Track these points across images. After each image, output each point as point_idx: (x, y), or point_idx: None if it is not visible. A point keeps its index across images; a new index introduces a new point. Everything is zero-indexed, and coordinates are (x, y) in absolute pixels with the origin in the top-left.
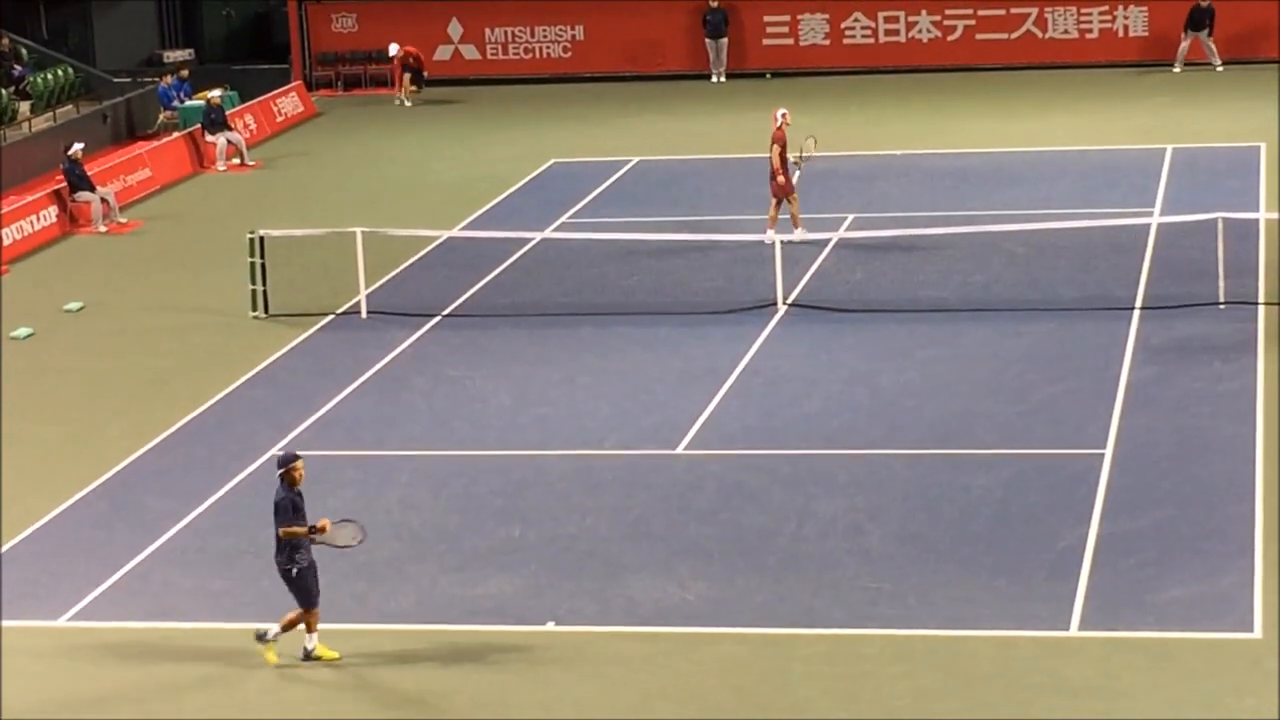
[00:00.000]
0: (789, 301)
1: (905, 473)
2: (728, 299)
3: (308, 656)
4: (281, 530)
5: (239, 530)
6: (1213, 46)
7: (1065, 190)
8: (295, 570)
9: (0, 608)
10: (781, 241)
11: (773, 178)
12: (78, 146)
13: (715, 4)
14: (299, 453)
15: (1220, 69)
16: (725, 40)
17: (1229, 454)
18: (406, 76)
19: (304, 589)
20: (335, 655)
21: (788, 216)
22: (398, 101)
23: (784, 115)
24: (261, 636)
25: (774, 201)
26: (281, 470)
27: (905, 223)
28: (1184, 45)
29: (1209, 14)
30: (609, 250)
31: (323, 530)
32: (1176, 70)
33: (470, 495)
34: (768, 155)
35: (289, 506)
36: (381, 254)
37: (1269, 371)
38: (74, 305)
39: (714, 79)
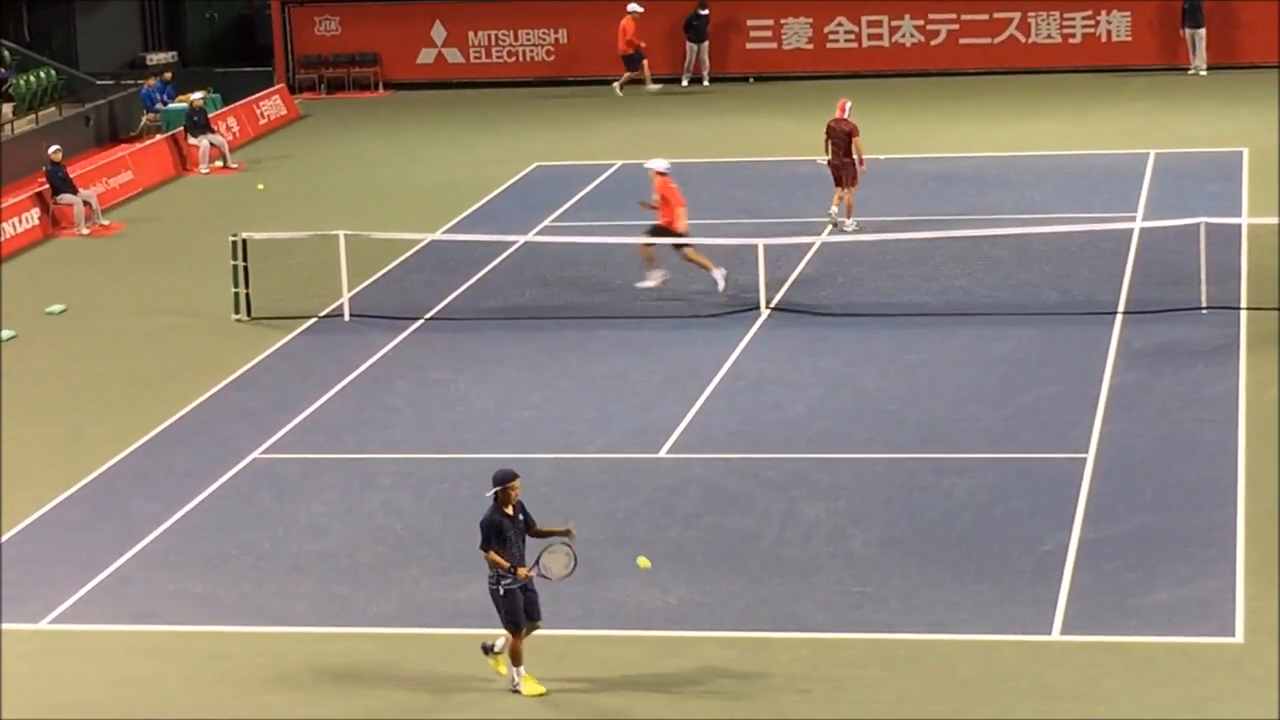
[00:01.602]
0: (772, 305)
1: (888, 477)
2: (711, 303)
3: (515, 689)
4: (488, 555)
5: (222, 533)
6: (1203, 49)
7: (1048, 195)
8: (501, 590)
9: (0, 605)
10: (843, 229)
11: (850, 166)
12: (54, 149)
13: (703, 11)
14: (514, 472)
15: (1203, 73)
16: (707, 44)
17: (1211, 459)
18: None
19: (507, 611)
20: (541, 690)
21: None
22: None
23: (850, 106)
24: (489, 649)
25: (850, 190)
26: (496, 488)
27: (888, 227)
28: (1193, 42)
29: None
30: (592, 254)
31: (522, 578)
32: (1202, 73)
33: (453, 499)
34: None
35: (490, 528)
36: (364, 257)
37: (1251, 376)
38: (56, 308)
39: (683, 82)
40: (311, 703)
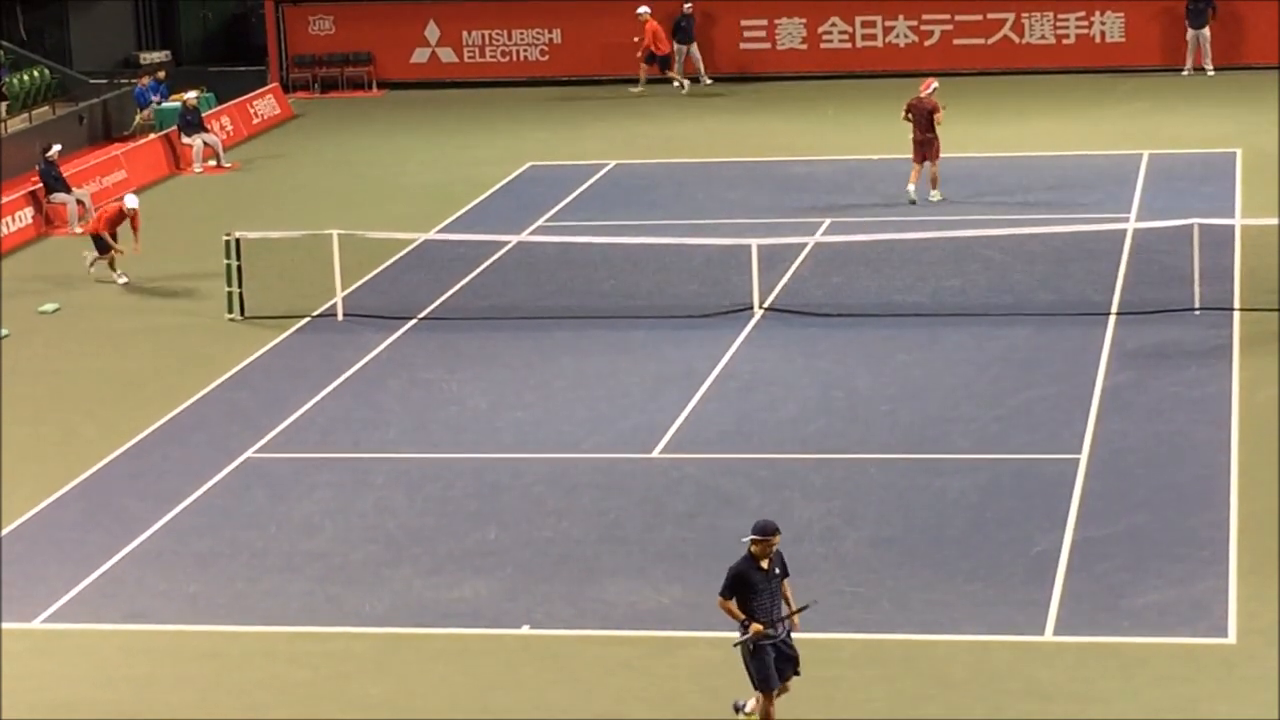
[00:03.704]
0: (765, 306)
1: (881, 477)
2: (704, 303)
3: None
4: (722, 603)
5: (214, 532)
6: (1209, 50)
7: (1041, 195)
8: (752, 646)
9: (0, 602)
10: (929, 200)
11: (934, 141)
12: (56, 148)
13: (687, 8)
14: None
15: (1210, 73)
16: (694, 45)
17: (1204, 459)
18: None
19: (757, 669)
20: None
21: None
22: None
23: (935, 85)
24: (739, 708)
25: (928, 165)
26: (756, 536)
27: (882, 227)
28: (1199, 43)
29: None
30: (585, 254)
31: (753, 634)
32: (1211, 72)
33: (446, 498)
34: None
35: (736, 578)
36: (358, 256)
37: (1244, 377)
38: (49, 307)
39: (675, 84)
40: (304, 702)
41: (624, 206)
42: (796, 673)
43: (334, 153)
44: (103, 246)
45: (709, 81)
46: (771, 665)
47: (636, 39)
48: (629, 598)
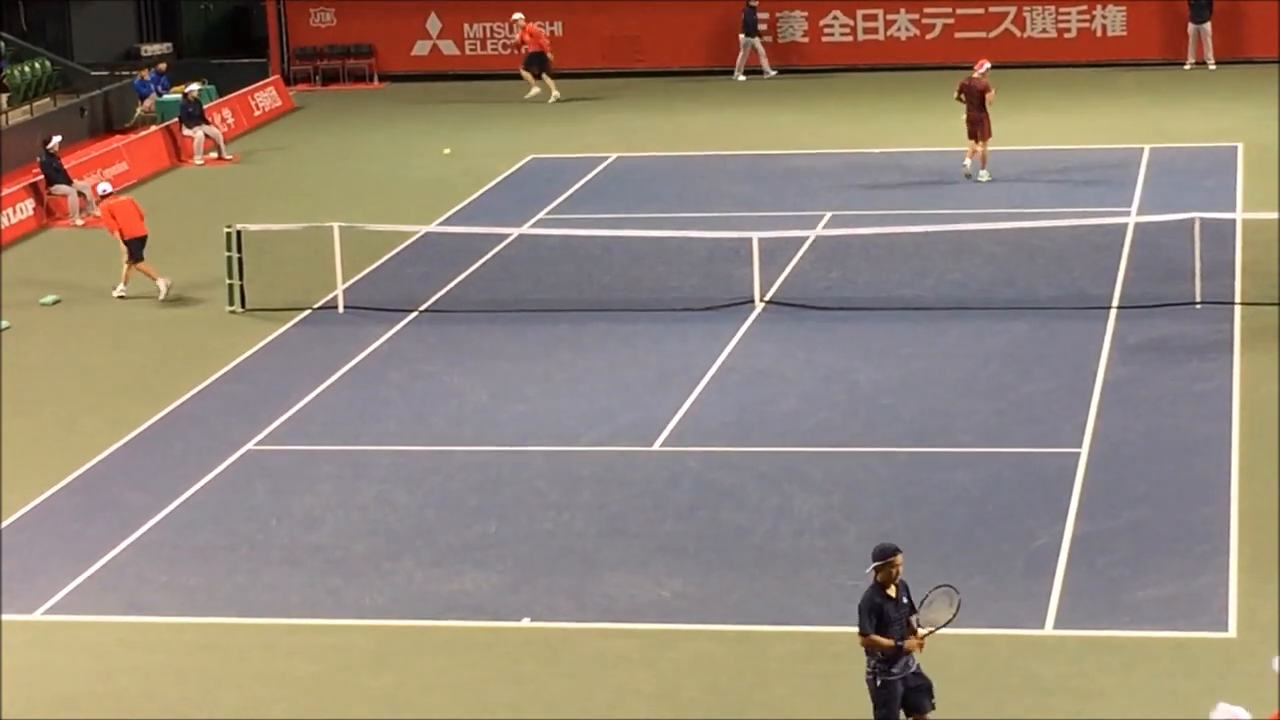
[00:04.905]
0: (766, 299)
1: (882, 471)
2: (705, 296)
3: None
4: (864, 639)
5: (215, 525)
6: (1210, 45)
7: (1043, 189)
8: (879, 681)
9: (0, 594)
10: (977, 179)
11: (985, 120)
12: (56, 140)
13: (754, 3)
14: (897, 546)
15: (1212, 67)
16: (757, 39)
17: (1205, 454)
18: None
19: (883, 704)
20: None
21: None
22: None
23: (988, 65)
24: None
25: (985, 142)
26: (877, 563)
27: (883, 221)
28: (1200, 37)
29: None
30: (586, 247)
31: (913, 649)
32: (1212, 66)
33: (447, 491)
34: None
35: (870, 611)
36: (359, 249)
37: (1245, 371)
38: (50, 299)
39: (737, 76)
40: (305, 695)
41: (625, 199)
42: (933, 703)
43: (335, 145)
44: (135, 253)
45: (772, 74)
46: (899, 700)
47: (517, 45)
48: (630, 591)
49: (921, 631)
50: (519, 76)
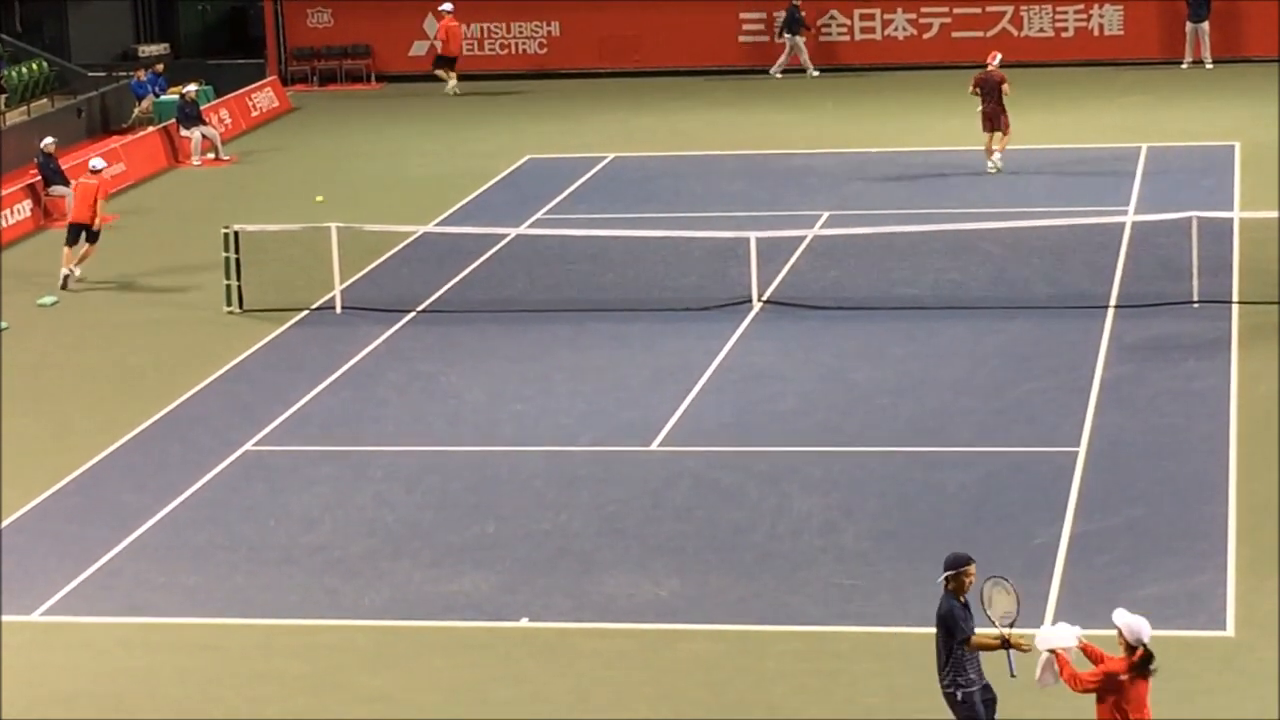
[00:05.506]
0: (764, 298)
1: (880, 470)
2: (703, 296)
3: None
4: (971, 643)
5: (213, 525)
6: (1208, 44)
7: (1040, 188)
8: (960, 694)
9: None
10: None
11: (1002, 113)
12: (49, 141)
13: (796, 1)
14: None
15: (1209, 66)
16: (800, 38)
17: (1203, 452)
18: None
19: (968, 717)
20: None
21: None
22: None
23: (999, 56)
24: None
25: (1000, 135)
26: (949, 573)
27: (880, 220)
28: (1198, 36)
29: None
30: (584, 246)
31: (1019, 646)
32: (1210, 65)
33: (444, 491)
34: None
35: (961, 616)
36: (356, 249)
37: (1243, 370)
38: (47, 300)
39: (773, 72)
40: (303, 694)
41: (623, 199)
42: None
43: (332, 146)
44: (93, 236)
45: (815, 73)
46: (982, 716)
47: (436, 40)
48: (628, 590)
49: (1013, 632)
50: (517, 76)
